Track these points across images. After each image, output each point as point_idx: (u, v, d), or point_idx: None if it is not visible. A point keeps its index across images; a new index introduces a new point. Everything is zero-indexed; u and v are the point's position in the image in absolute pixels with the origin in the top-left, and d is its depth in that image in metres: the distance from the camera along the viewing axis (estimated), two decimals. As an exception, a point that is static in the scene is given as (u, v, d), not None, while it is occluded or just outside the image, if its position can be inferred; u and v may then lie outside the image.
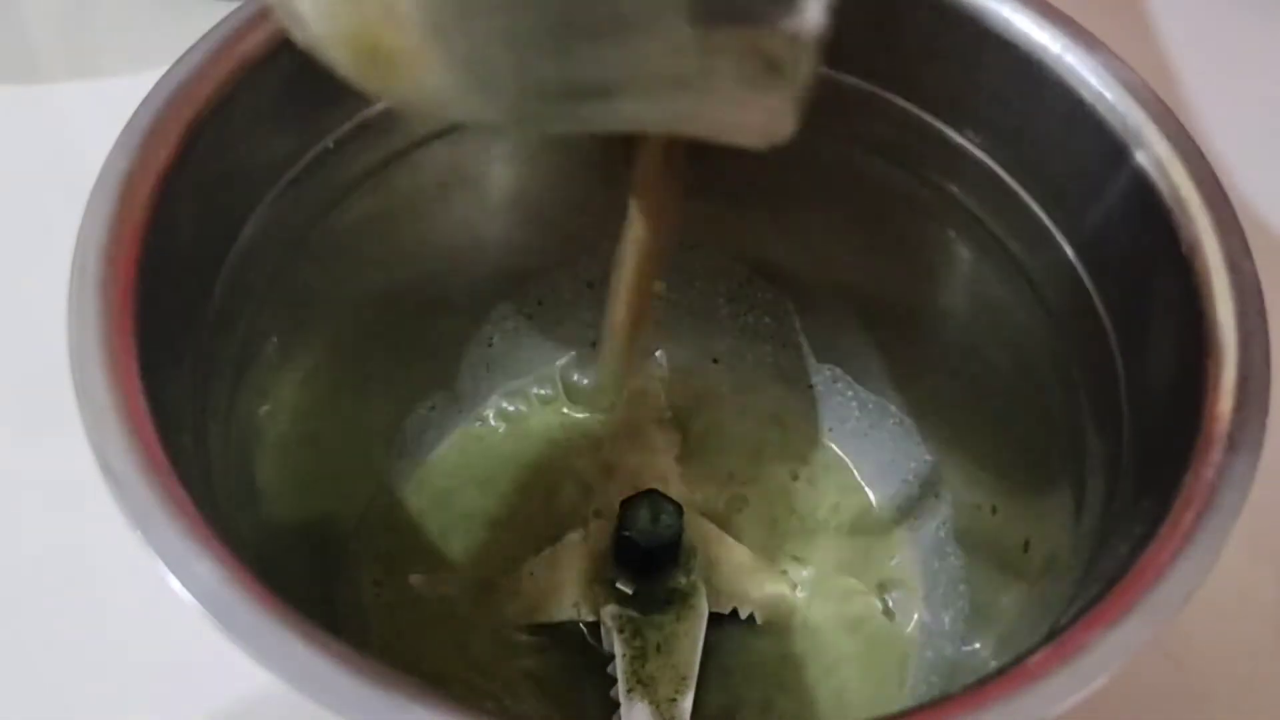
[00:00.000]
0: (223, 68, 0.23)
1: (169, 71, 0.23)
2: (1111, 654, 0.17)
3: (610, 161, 0.32)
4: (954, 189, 0.28)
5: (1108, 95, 0.24)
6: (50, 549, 0.31)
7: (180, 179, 0.22)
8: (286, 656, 0.17)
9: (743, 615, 0.31)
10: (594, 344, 0.35)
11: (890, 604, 0.32)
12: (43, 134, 0.41)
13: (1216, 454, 0.19)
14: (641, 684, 0.29)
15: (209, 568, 0.18)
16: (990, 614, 0.28)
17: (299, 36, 0.18)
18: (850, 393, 0.34)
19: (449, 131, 0.29)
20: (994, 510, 0.29)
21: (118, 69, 0.41)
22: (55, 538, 0.31)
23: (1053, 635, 0.18)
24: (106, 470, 0.18)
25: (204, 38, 0.23)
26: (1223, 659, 0.31)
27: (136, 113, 0.22)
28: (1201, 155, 0.23)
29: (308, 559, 0.28)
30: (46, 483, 0.32)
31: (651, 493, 0.30)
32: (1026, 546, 0.27)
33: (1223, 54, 0.44)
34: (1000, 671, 0.18)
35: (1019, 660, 0.18)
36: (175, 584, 0.17)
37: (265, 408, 0.26)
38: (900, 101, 0.27)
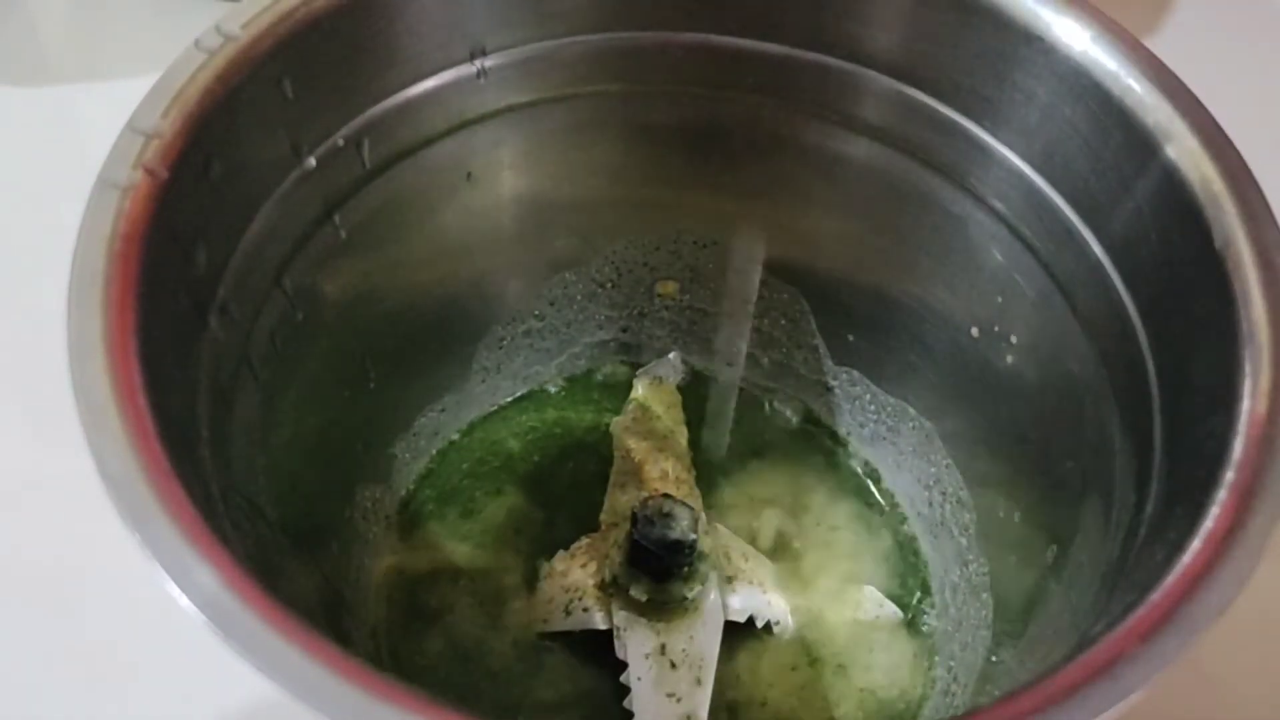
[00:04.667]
0: (226, 62, 0.22)
1: (172, 66, 0.22)
2: (1149, 665, 0.17)
3: (621, 164, 0.31)
4: (979, 188, 0.27)
5: (1136, 88, 0.23)
6: (53, 554, 0.31)
7: (183, 176, 0.21)
8: (289, 666, 0.16)
9: (759, 624, 0.30)
10: (606, 344, 0.35)
11: (911, 611, 0.31)
12: (52, 135, 0.41)
13: (1255, 458, 0.19)
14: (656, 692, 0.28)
15: (209, 573, 0.17)
16: (1014, 622, 0.28)
17: None
18: (869, 396, 0.33)
19: (458, 130, 0.28)
20: (1019, 516, 0.29)
21: (126, 70, 0.41)
22: (58, 541, 0.31)
23: (1085, 645, 0.18)
24: (104, 472, 0.18)
25: (207, 31, 0.23)
26: (1248, 669, 0.31)
27: (138, 109, 0.21)
28: (1234, 148, 0.22)
29: (312, 564, 0.28)
30: (50, 486, 0.31)
31: (666, 498, 0.30)
32: (1052, 553, 0.27)
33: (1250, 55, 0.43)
34: (1032, 683, 0.17)
35: (1051, 671, 0.17)
36: (174, 590, 0.17)
37: (269, 409, 0.25)
38: (922, 97, 0.27)
